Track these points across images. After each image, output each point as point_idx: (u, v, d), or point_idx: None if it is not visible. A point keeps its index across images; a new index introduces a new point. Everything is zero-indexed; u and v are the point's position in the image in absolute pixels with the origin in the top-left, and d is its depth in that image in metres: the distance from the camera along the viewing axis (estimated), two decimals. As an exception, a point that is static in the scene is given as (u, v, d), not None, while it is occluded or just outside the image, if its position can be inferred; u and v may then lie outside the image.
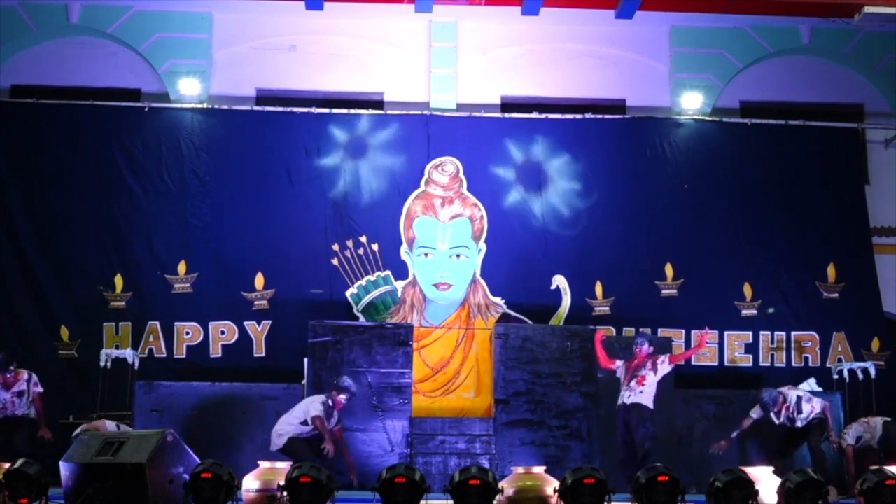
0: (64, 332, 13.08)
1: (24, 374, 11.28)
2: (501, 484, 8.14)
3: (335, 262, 13.49)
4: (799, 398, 11.57)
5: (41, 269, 13.20)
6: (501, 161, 13.87)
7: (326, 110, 13.87)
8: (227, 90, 14.09)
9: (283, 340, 13.08)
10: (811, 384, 12.27)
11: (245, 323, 13.24)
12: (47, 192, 13.39)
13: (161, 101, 13.91)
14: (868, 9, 12.92)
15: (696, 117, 14.19)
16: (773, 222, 13.93)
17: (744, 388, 12.61)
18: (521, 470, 8.55)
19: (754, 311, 13.72)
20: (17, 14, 13.95)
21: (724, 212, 13.97)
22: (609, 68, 14.57)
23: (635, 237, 13.78)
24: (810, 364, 13.54)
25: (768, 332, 13.70)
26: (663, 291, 13.68)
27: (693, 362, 13.20)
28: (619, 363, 11.30)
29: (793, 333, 13.71)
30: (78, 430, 10.16)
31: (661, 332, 13.22)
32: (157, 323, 13.12)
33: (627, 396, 10.98)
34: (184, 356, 13.12)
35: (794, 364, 13.56)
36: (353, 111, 13.96)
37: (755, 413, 11.58)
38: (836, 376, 13.06)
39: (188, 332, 13.18)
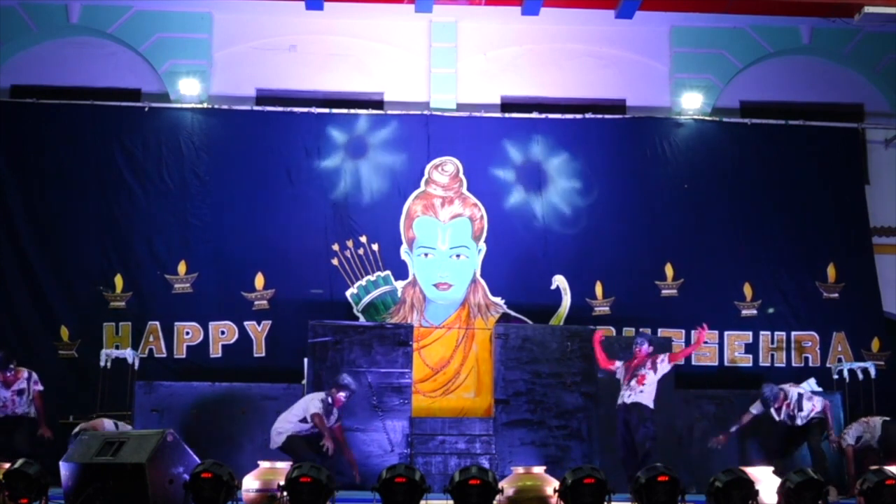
0: (64, 332, 13.08)
1: (24, 373, 11.28)
2: (501, 484, 8.13)
3: (335, 262, 13.48)
4: (800, 395, 11.56)
5: (41, 269, 13.19)
6: (501, 161, 13.86)
7: (326, 110, 13.86)
8: (227, 90, 14.09)
9: (283, 340, 13.08)
10: (811, 384, 12.25)
11: (245, 323, 13.23)
12: (47, 192, 13.39)
13: (161, 101, 13.91)
14: (868, 9, 12.92)
15: (696, 117, 14.18)
16: (773, 222, 13.93)
17: (744, 388, 12.57)
18: (521, 470, 8.55)
19: (754, 311, 13.72)
20: (17, 14, 13.95)
21: (724, 212, 13.97)
22: (609, 68, 14.56)
23: (635, 237, 13.78)
24: (810, 364, 13.53)
25: (768, 332, 13.69)
26: (663, 291, 13.68)
27: (693, 362, 13.25)
28: (618, 364, 11.24)
29: (793, 333, 13.71)
30: (76, 429, 10.17)
31: (661, 332, 13.21)
32: (157, 323, 13.12)
33: (627, 396, 10.94)
34: (184, 356, 13.12)
35: (794, 364, 13.55)
36: (352, 111, 13.95)
37: (755, 408, 11.57)
38: (836, 376, 13.06)
39: (188, 332, 13.18)
